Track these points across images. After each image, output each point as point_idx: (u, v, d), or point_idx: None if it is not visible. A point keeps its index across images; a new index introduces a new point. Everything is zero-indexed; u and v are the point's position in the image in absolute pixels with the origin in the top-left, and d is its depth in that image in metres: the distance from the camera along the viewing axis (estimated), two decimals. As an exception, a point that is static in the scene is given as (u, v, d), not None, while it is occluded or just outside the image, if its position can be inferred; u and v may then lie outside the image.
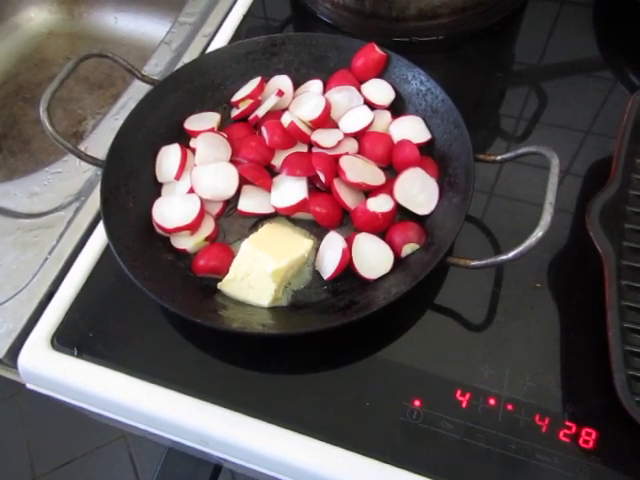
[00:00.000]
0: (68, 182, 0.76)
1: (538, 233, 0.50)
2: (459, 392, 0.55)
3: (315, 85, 0.73)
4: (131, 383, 0.57)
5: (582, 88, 0.79)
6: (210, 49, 0.85)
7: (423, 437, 0.53)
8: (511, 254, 0.51)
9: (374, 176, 0.64)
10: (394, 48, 0.71)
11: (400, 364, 0.58)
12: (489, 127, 0.75)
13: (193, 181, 0.64)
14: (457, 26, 0.81)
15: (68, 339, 0.61)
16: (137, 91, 0.85)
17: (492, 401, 0.55)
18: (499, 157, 0.60)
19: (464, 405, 0.55)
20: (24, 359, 0.60)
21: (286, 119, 0.67)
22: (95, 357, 0.59)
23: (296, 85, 0.74)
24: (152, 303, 0.60)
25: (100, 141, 0.79)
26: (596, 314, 0.56)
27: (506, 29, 0.86)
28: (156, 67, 0.88)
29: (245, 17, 0.89)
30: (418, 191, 0.62)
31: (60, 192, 0.74)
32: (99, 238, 0.67)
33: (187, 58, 0.86)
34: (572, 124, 0.75)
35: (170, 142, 0.69)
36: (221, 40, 0.86)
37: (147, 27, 1.27)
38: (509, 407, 0.54)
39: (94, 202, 0.72)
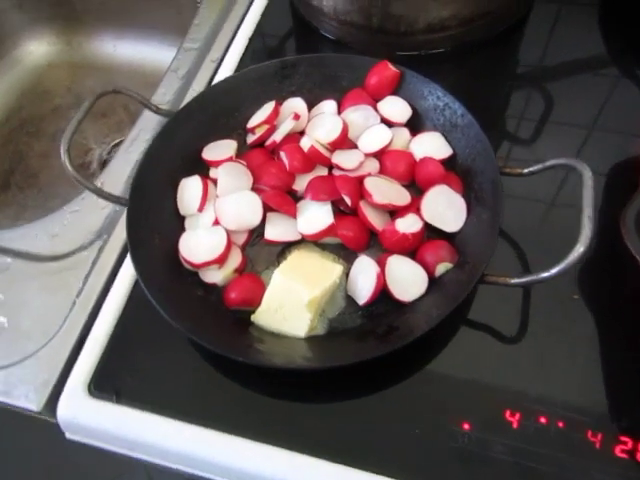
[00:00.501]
0: (87, 220, 0.75)
1: (579, 249, 0.49)
2: (508, 412, 0.55)
3: (329, 105, 0.73)
4: (174, 426, 0.56)
5: (590, 87, 0.79)
6: (219, 74, 0.84)
7: (476, 462, 0.53)
8: (553, 271, 0.50)
9: (399, 196, 0.63)
10: (402, 62, 0.71)
11: (442, 386, 0.57)
12: (503, 134, 0.75)
13: (217, 213, 0.64)
14: (465, 37, 0.81)
15: (105, 385, 0.60)
16: (147, 121, 0.84)
17: (543, 419, 0.54)
18: (526, 170, 0.60)
19: (515, 426, 0.54)
20: (63, 410, 0.59)
21: (305, 143, 0.67)
22: (135, 401, 0.58)
23: (310, 106, 0.73)
24: (186, 340, 0.60)
25: (116, 176, 0.78)
26: (638, 323, 0.55)
27: (513, 35, 0.85)
28: (165, 96, 0.87)
29: (251, 40, 0.89)
30: (445, 208, 0.62)
31: (81, 231, 0.74)
32: (126, 277, 0.66)
33: (196, 85, 0.86)
34: (585, 124, 0.75)
35: (189, 173, 0.69)
36: (229, 65, 0.85)
37: (146, 53, 1.27)
38: (560, 424, 0.54)
39: (117, 240, 0.71)
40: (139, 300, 0.64)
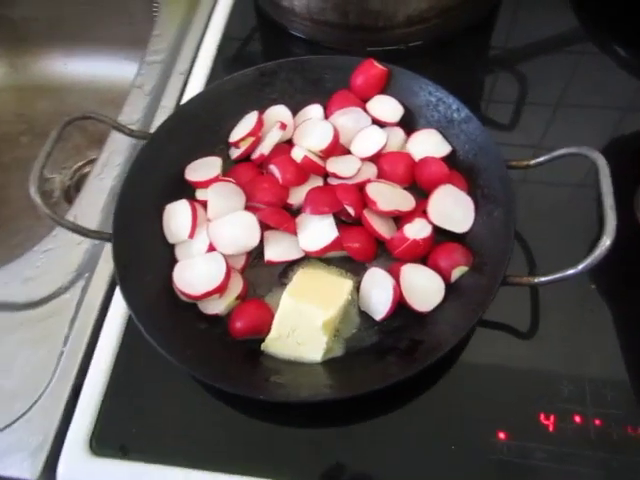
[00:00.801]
0: (64, 259, 0.68)
1: (606, 242, 0.47)
2: (542, 415, 0.52)
3: (315, 110, 0.69)
4: (190, 476, 0.52)
5: (569, 64, 0.78)
6: (189, 88, 0.79)
7: (518, 472, 0.50)
8: (580, 267, 0.48)
9: (404, 200, 0.60)
10: (381, 58, 0.68)
11: (469, 396, 0.54)
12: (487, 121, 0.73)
13: (212, 237, 0.59)
14: (443, 27, 0.78)
15: (109, 439, 0.54)
16: (116, 144, 0.78)
17: (578, 419, 0.52)
18: (532, 162, 0.57)
19: (551, 429, 0.52)
20: (64, 474, 0.53)
21: (297, 153, 0.62)
22: (143, 454, 0.53)
23: (294, 113, 0.69)
24: (192, 377, 0.55)
25: (90, 207, 0.72)
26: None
27: (489, 20, 0.83)
28: (132, 115, 0.81)
29: (219, 48, 0.84)
30: (453, 209, 0.59)
31: (58, 272, 0.67)
32: (117, 316, 0.61)
33: (166, 101, 0.80)
34: (569, 102, 0.73)
35: (174, 198, 0.64)
36: (199, 77, 0.80)
37: (100, 69, 1.20)
38: (597, 422, 0.52)
39: (101, 277, 0.65)
40: (134, 340, 0.59)
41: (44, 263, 0.68)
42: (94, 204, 0.72)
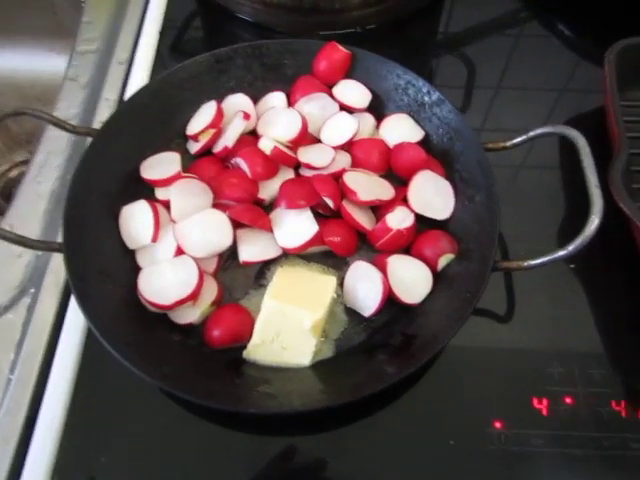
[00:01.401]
0: (2, 273, 0.60)
1: (595, 221, 0.47)
2: (535, 400, 0.52)
3: (277, 98, 0.65)
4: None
5: (512, 45, 0.79)
6: (132, 78, 0.72)
7: (518, 460, 0.49)
8: (570, 248, 0.47)
9: (383, 189, 0.57)
10: (340, 41, 0.64)
11: (460, 387, 0.53)
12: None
13: (179, 240, 0.54)
14: (398, 9, 0.76)
15: (74, 473, 0.48)
16: (53, 143, 0.70)
17: (569, 400, 0.52)
18: (509, 143, 0.56)
19: (545, 413, 0.51)
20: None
21: (266, 144, 0.58)
22: (118, 485, 0.48)
23: (254, 102, 0.64)
24: (163, 396, 0.50)
25: (27, 214, 0.64)
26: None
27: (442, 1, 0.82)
28: (70, 109, 0.73)
29: (162, 34, 0.77)
30: (433, 195, 0.57)
31: (-4, 289, 0.59)
32: (72, 336, 0.54)
33: (108, 93, 0.73)
34: (513, 84, 0.74)
35: (129, 199, 0.57)
36: (143, 65, 0.73)
37: (19, 61, 1.08)
38: (586, 401, 0.52)
39: (49, 293, 0.57)
40: (95, 360, 0.53)
41: (-23, 280, 0.60)
42: (32, 211, 0.64)
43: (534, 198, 0.65)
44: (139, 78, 0.72)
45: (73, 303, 0.56)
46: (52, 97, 1.00)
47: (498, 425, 0.51)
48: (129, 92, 0.70)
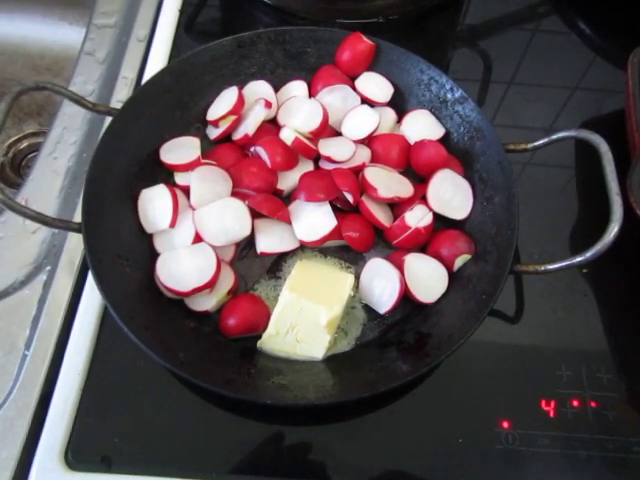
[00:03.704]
0: (17, 249, 0.60)
1: (614, 228, 0.47)
2: (544, 402, 0.53)
3: (299, 87, 0.64)
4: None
5: (530, 41, 0.78)
6: (152, 57, 0.71)
7: (525, 460, 0.50)
8: (589, 254, 0.48)
9: (402, 186, 0.57)
10: (361, 30, 0.64)
11: (469, 386, 0.53)
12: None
13: (198, 227, 0.54)
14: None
15: (87, 451, 0.49)
16: (69, 119, 0.70)
17: (576, 402, 0.53)
18: (530, 145, 0.56)
19: (552, 414, 0.52)
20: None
21: (287, 135, 0.58)
22: (129, 465, 0.49)
23: (275, 89, 0.64)
24: (176, 380, 0.51)
25: (43, 190, 0.64)
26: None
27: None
28: (86, 85, 0.72)
29: (182, 12, 0.76)
30: (452, 195, 0.57)
31: (11, 264, 0.59)
32: (89, 312, 0.55)
33: (127, 71, 0.72)
34: (530, 81, 0.73)
35: (148, 182, 0.57)
36: (162, 44, 0.72)
37: (29, 30, 1.06)
38: (593, 405, 0.53)
39: (65, 270, 0.58)
40: (111, 340, 0.54)
41: (-8, 254, 0.60)
42: (48, 187, 0.64)
43: (546, 198, 0.65)
44: (158, 57, 0.71)
45: (89, 283, 0.56)
46: (63, 69, 0.98)
47: (505, 425, 0.52)
48: (148, 71, 0.70)
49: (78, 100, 0.56)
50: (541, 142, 0.56)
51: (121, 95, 0.69)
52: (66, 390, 0.51)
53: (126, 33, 0.76)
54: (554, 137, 0.55)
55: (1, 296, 0.57)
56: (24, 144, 0.99)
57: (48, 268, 0.58)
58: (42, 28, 1.06)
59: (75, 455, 0.49)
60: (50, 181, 0.65)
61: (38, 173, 0.66)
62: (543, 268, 0.50)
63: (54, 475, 0.48)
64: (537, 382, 0.54)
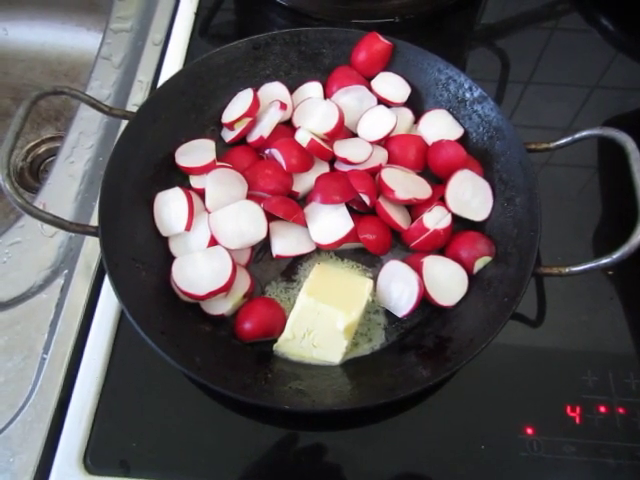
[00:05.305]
0: (35, 253, 0.61)
1: (642, 229, 0.45)
2: (569, 408, 0.51)
3: (314, 88, 0.64)
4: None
5: (556, 39, 0.77)
6: (167, 60, 0.71)
7: (550, 468, 0.49)
8: (615, 256, 0.46)
9: (419, 187, 0.56)
10: (377, 30, 0.63)
11: (493, 391, 0.52)
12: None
13: (214, 230, 0.53)
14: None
15: (106, 455, 0.49)
16: (86, 123, 0.70)
17: (603, 409, 0.51)
18: (552, 144, 0.55)
19: (578, 421, 0.51)
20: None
21: (303, 137, 0.57)
22: (148, 470, 0.48)
23: (290, 91, 0.63)
24: (192, 384, 0.50)
25: (61, 194, 0.64)
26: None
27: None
28: (102, 89, 0.73)
29: (197, 15, 0.76)
30: (471, 196, 0.56)
31: (29, 268, 0.60)
32: (106, 319, 0.54)
33: (142, 75, 0.72)
34: (550, 79, 0.72)
35: (163, 185, 0.57)
36: (177, 48, 0.72)
37: (48, 36, 1.07)
38: (621, 411, 0.51)
39: (82, 275, 0.58)
40: (129, 344, 0.54)
41: (11, 258, 0.60)
42: (66, 191, 0.65)
43: (567, 199, 0.63)
44: (173, 61, 0.71)
45: (106, 287, 0.56)
46: (80, 74, 0.99)
47: (530, 431, 0.50)
48: (163, 75, 0.70)
49: (95, 104, 0.56)
50: (564, 141, 0.54)
51: (137, 99, 0.69)
52: (84, 394, 0.51)
53: (142, 37, 0.76)
54: (577, 136, 0.53)
55: (20, 300, 0.57)
56: (42, 149, 1.00)
57: (65, 272, 0.58)
58: (60, 34, 1.07)
59: (94, 459, 0.49)
60: (67, 185, 0.65)
61: (55, 177, 0.66)
62: (567, 270, 0.49)
63: (73, 479, 0.48)
64: (561, 387, 0.52)
